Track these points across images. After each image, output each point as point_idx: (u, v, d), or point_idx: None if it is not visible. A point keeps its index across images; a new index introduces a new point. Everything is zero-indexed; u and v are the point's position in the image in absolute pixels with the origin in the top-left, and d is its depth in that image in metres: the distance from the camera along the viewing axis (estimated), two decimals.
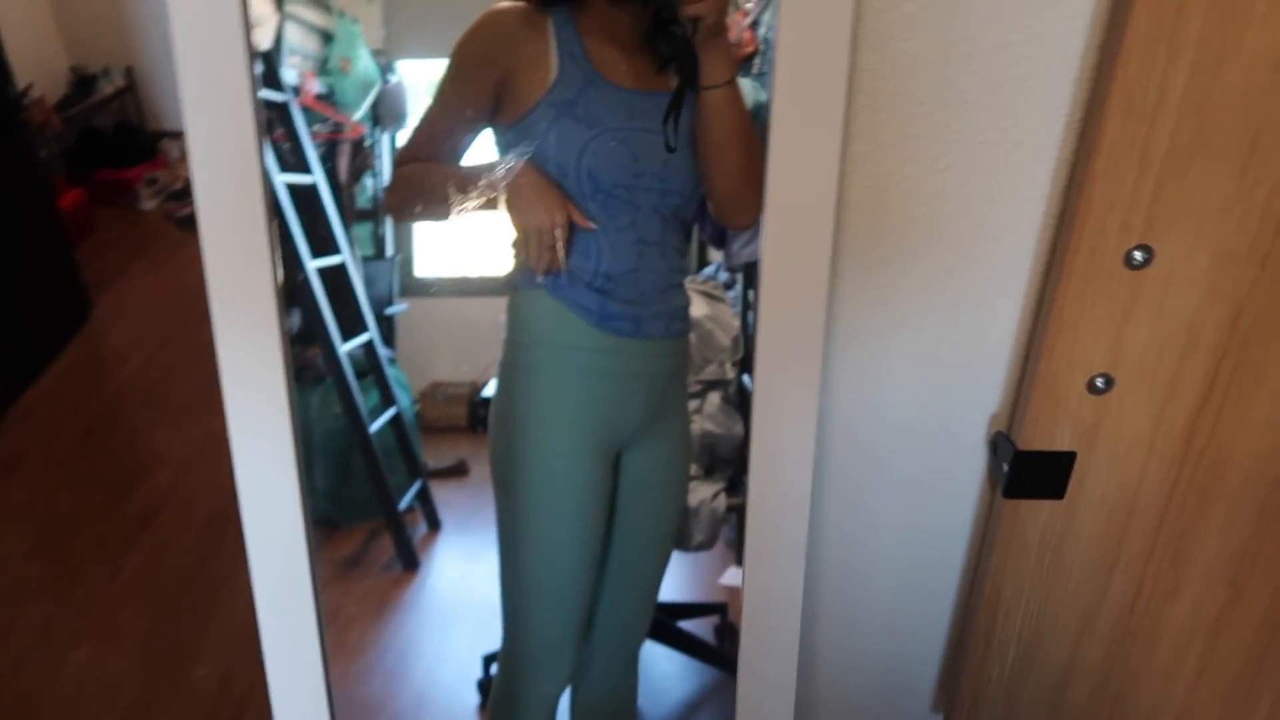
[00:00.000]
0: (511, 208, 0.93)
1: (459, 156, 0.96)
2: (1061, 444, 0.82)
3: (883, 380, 0.88)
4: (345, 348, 1.90)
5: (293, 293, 1.81)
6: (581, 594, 1.10)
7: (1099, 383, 0.79)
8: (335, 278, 1.90)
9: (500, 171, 0.93)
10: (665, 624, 1.57)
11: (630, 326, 0.99)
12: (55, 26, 4.06)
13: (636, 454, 1.08)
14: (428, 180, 0.97)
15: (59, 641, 1.92)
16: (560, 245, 0.95)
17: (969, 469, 0.92)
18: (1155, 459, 0.83)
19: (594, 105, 0.91)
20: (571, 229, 0.94)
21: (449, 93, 0.94)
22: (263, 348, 0.77)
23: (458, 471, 2.23)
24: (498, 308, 1.05)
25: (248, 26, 0.68)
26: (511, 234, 0.99)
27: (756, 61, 1.14)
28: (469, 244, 1.04)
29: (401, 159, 1.01)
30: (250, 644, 1.91)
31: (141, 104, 4.24)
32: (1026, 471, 0.84)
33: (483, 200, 0.95)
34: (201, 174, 0.71)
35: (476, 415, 1.57)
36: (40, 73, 3.71)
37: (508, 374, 1.02)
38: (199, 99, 0.69)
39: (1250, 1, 0.65)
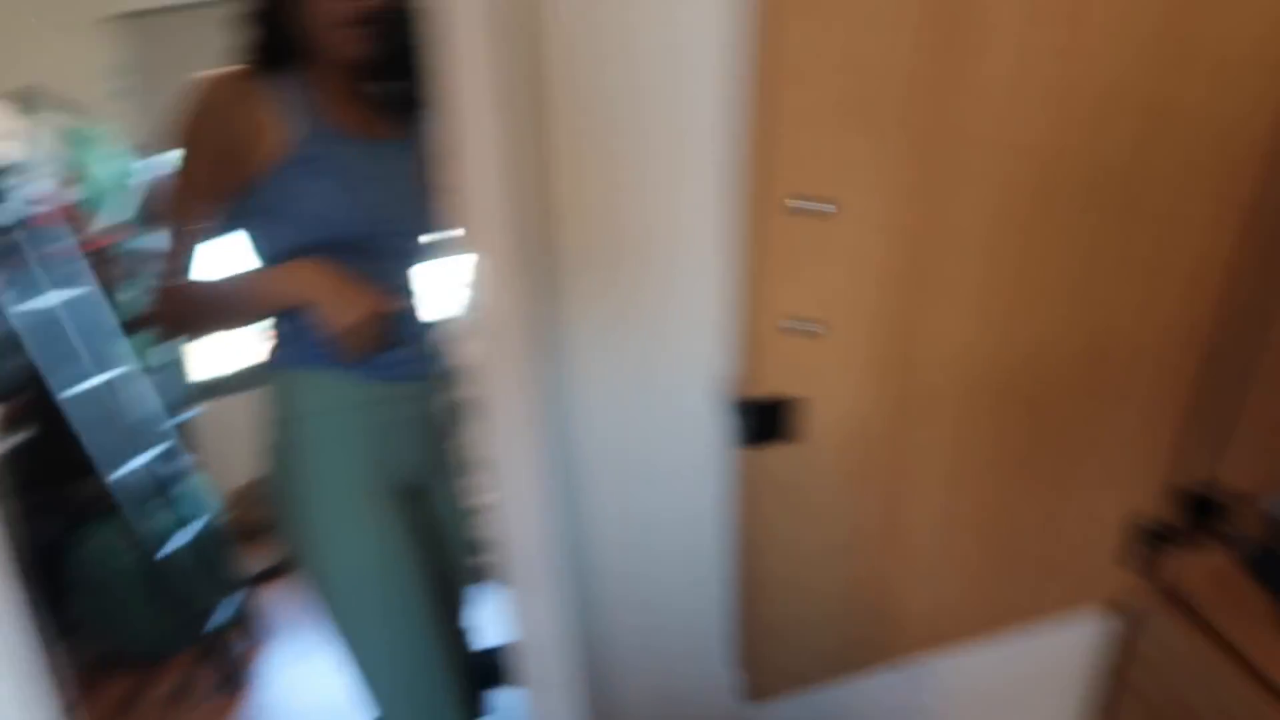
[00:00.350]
0: (325, 308, 0.94)
1: (216, 220, 0.96)
2: (782, 389, 0.90)
3: (613, 374, 0.96)
4: (118, 475, 1.74)
5: (53, 421, 1.68)
6: (428, 631, 1.07)
7: (793, 325, 0.87)
8: (107, 396, 1.77)
9: (284, 277, 0.94)
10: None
11: (388, 371, 1.02)
12: None
13: (428, 493, 1.12)
14: (203, 302, 0.96)
15: None
16: (375, 330, 0.97)
17: (704, 431, 1.00)
18: (870, 386, 0.93)
19: (331, 160, 0.93)
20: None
21: (190, 171, 0.92)
22: None
23: (282, 570, 2.16)
24: (238, 405, 1.05)
25: None
26: (263, 321, 1.00)
27: None
28: (230, 337, 1.05)
29: (168, 254, 0.96)
30: None
31: None
32: (755, 420, 0.91)
33: (272, 308, 0.97)
34: None
35: None
36: None
37: (283, 454, 1.01)
38: None
39: None
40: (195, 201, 0.93)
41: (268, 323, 1.00)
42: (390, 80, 0.94)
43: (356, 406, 1.00)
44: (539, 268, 0.84)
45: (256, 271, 0.97)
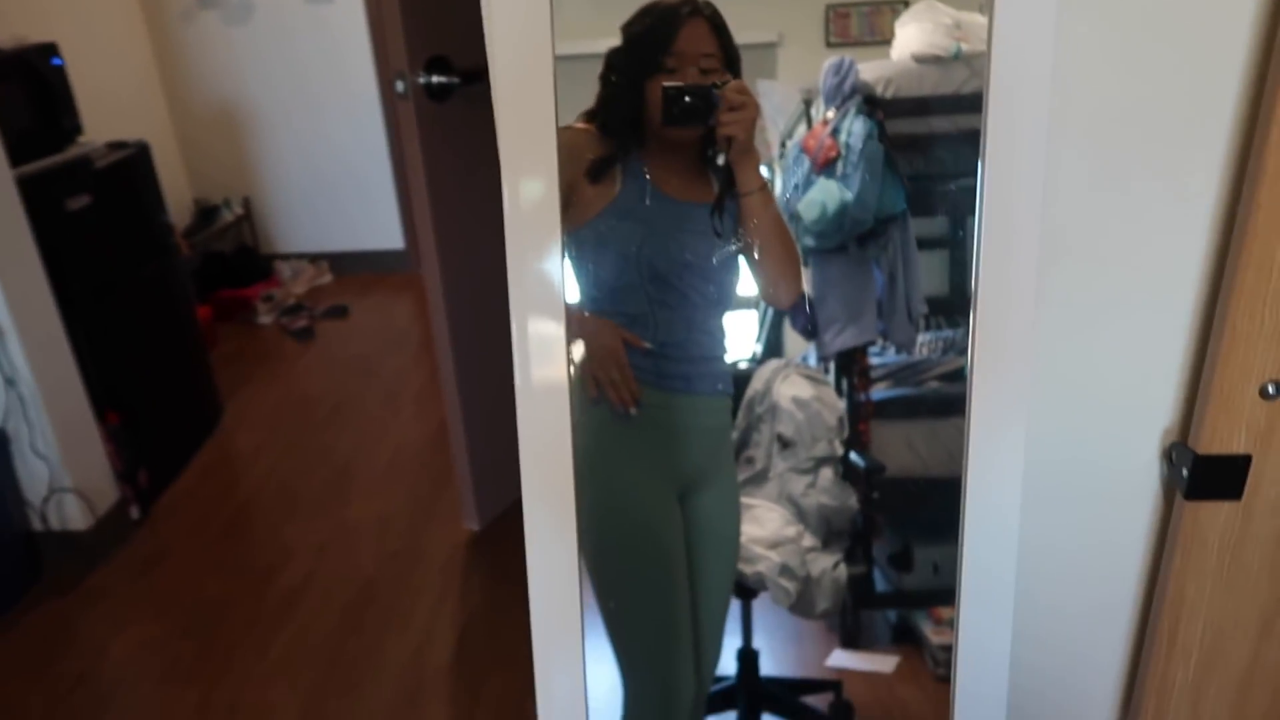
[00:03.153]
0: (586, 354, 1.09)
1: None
2: (1237, 448, 0.92)
3: (1064, 406, 0.99)
4: None
5: None
6: (687, 629, 1.21)
7: (1270, 389, 0.89)
8: None
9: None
10: (788, 699, 1.63)
11: (683, 384, 1.15)
12: (183, 164, 4.46)
13: (698, 500, 1.21)
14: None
15: (215, 717, 2.02)
16: (625, 377, 1.11)
17: (1144, 483, 1.01)
18: None
19: (650, 211, 1.09)
20: (631, 311, 1.10)
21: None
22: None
23: None
24: None
25: None
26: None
27: (839, 164, 1.30)
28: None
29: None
30: (399, 717, 1.99)
31: (256, 230, 4.59)
32: (1206, 474, 0.93)
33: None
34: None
35: None
36: (171, 205, 4.07)
37: (575, 433, 1.13)
38: None
39: None
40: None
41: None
42: (714, 156, 1.07)
43: (645, 405, 1.14)
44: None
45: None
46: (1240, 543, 0.96)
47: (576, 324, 1.11)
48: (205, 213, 4.35)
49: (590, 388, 1.14)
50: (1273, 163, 0.81)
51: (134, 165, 2.88)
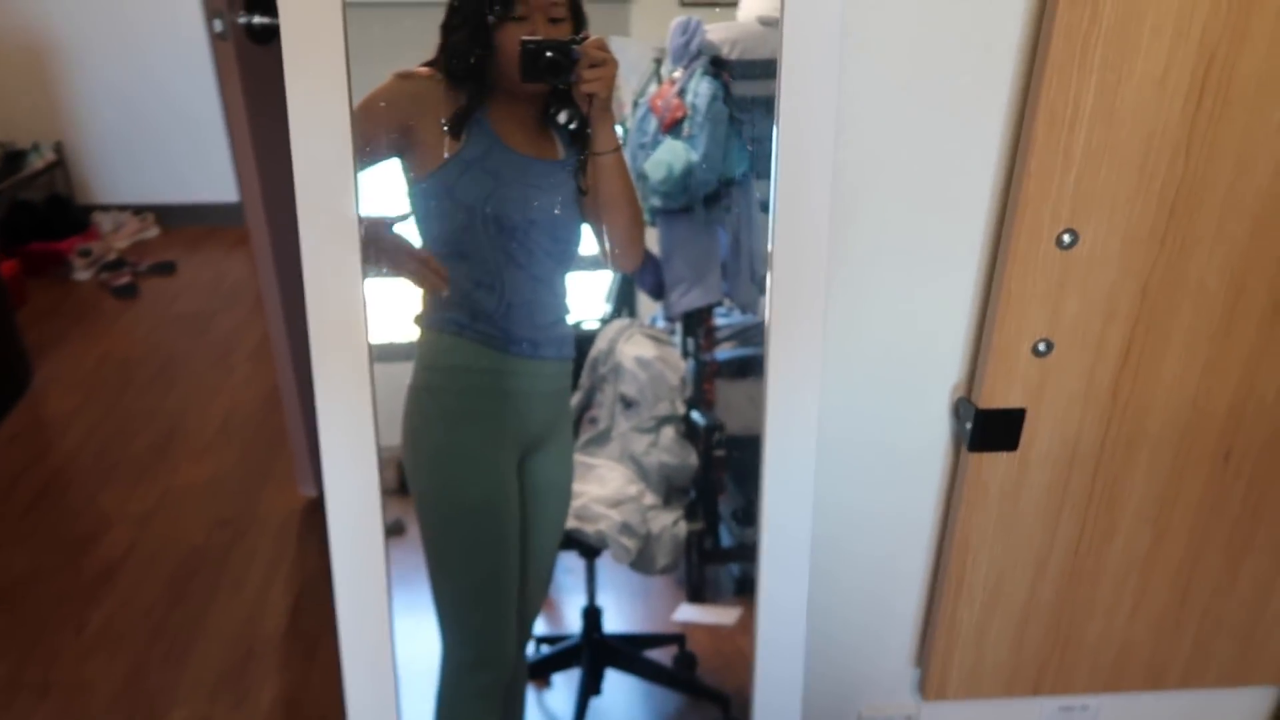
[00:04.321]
0: (381, 262, 1.06)
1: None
2: (1014, 402, 0.99)
3: (859, 365, 1.04)
4: None
5: None
6: (513, 586, 1.23)
7: (1041, 347, 0.96)
8: None
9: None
10: (631, 654, 1.67)
11: (530, 348, 1.15)
12: None
13: (537, 459, 1.23)
14: None
15: (27, 693, 1.90)
16: (418, 258, 1.10)
17: (935, 436, 1.07)
18: (1089, 412, 1.00)
19: (497, 164, 1.07)
20: (477, 273, 1.10)
21: (366, 111, 1.01)
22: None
23: (394, 531, 2.30)
24: (404, 371, 1.17)
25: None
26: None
27: (686, 125, 1.32)
28: (381, 310, 1.18)
29: None
30: (228, 686, 1.93)
31: (71, 178, 4.23)
32: (986, 427, 1.00)
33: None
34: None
35: (403, 477, 1.69)
36: None
37: (420, 395, 1.16)
38: None
39: (1137, 34, 0.84)
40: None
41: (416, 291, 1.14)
42: (560, 107, 1.06)
43: (492, 370, 1.15)
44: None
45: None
46: (1017, 490, 1.04)
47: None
48: (10, 158, 3.97)
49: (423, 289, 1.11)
50: (1040, 135, 0.87)
51: None
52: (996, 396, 0.98)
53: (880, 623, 1.18)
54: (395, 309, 1.16)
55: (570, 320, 1.21)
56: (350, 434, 0.92)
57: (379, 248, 1.05)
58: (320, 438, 0.91)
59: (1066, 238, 0.91)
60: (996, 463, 1.02)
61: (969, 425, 1.00)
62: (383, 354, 1.31)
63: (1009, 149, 0.93)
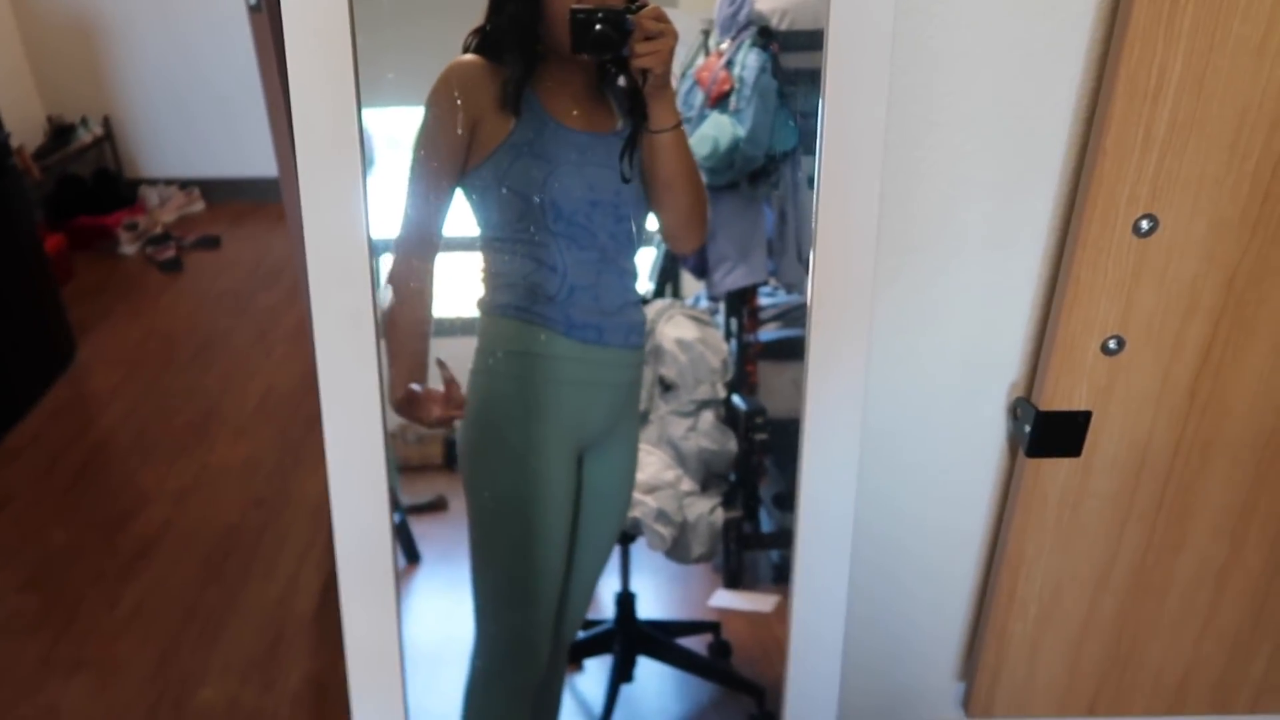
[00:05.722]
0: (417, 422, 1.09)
1: (444, 215, 1.03)
2: (1078, 403, 0.90)
3: (909, 360, 0.96)
4: None
5: None
6: (554, 588, 1.17)
7: (1111, 344, 0.87)
8: None
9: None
10: (665, 642, 1.62)
11: (594, 335, 1.08)
12: (32, 76, 4.09)
13: (596, 457, 1.16)
14: (394, 322, 1.06)
15: (59, 671, 1.91)
16: (429, 403, 1.07)
17: (990, 439, 0.99)
18: (1162, 415, 0.91)
19: (549, 145, 1.01)
20: (538, 254, 1.04)
21: (429, 139, 1.01)
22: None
23: (436, 507, 2.28)
24: (467, 347, 1.12)
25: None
26: (480, 265, 1.08)
27: (733, 99, 1.24)
28: (438, 285, 1.14)
29: (400, 242, 1.05)
30: (258, 668, 1.91)
31: (119, 152, 4.27)
32: (1047, 431, 0.91)
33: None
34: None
35: (451, 453, 1.64)
36: (18, 121, 3.73)
37: (479, 379, 1.10)
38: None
39: None
40: (433, 174, 1.02)
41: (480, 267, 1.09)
42: (614, 77, 1.00)
43: (555, 357, 1.08)
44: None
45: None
46: (1079, 500, 0.95)
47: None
48: (60, 132, 4.01)
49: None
50: (1119, 109, 0.78)
51: None
52: (1059, 397, 0.90)
53: (925, 633, 1.10)
54: (451, 283, 1.10)
55: (640, 306, 1.14)
56: (355, 417, 0.87)
57: (410, 414, 1.06)
58: (324, 421, 0.87)
59: (1145, 224, 0.82)
60: (1057, 469, 0.94)
61: (1027, 428, 0.92)
62: (449, 329, 1.29)
63: (1083, 124, 0.85)
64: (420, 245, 1.04)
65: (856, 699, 1.13)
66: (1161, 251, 0.84)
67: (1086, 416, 0.91)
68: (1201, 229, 0.83)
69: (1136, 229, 0.82)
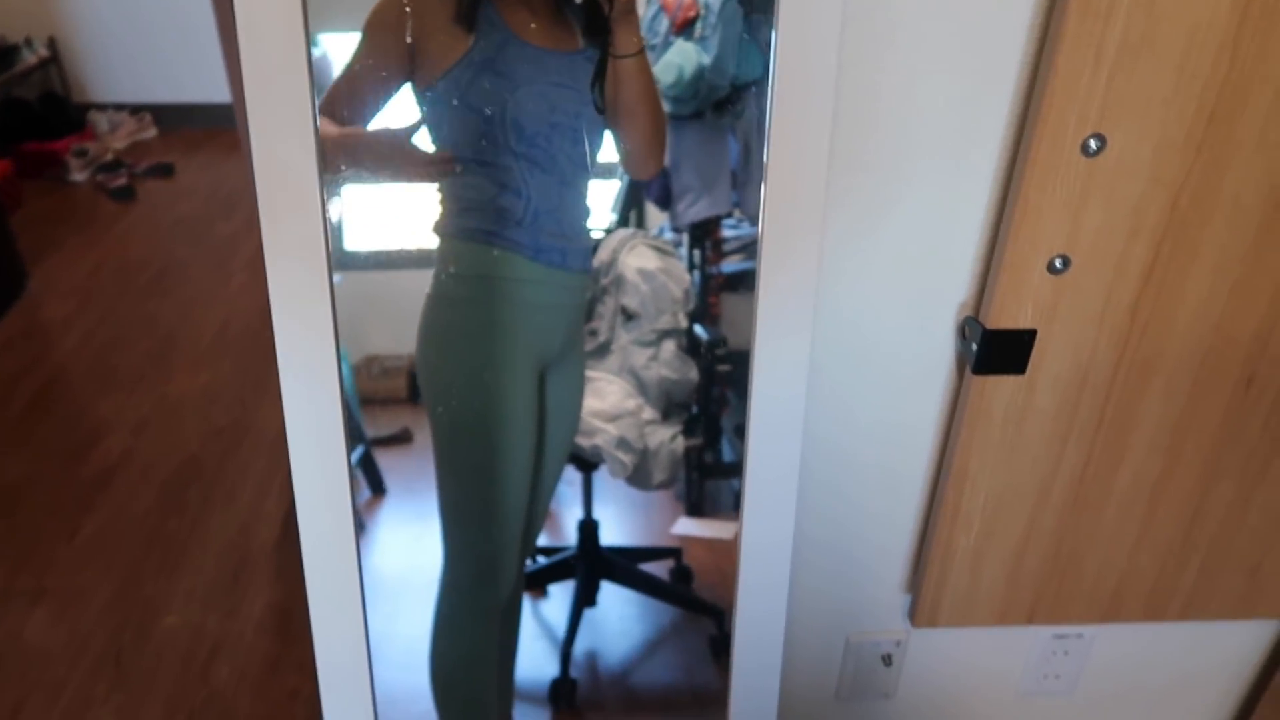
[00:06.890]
0: (401, 177, 1.04)
1: (369, 119, 1.01)
2: (1024, 322, 0.92)
3: (861, 280, 0.97)
4: None
5: None
6: (521, 506, 1.20)
7: (1058, 263, 0.89)
8: None
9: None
10: (627, 567, 1.65)
11: (559, 258, 1.09)
12: None
13: (554, 376, 1.19)
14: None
15: (20, 601, 1.91)
16: (419, 156, 1.03)
17: (939, 358, 1.01)
18: (1105, 334, 0.93)
19: (512, 62, 1.00)
20: (501, 177, 1.03)
21: (363, 57, 0.98)
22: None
23: (401, 439, 2.28)
24: (419, 280, 1.12)
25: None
26: (435, 188, 1.07)
27: (698, 26, 1.22)
28: (398, 216, 1.12)
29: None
30: (221, 595, 1.93)
31: (66, 75, 4.12)
32: (993, 349, 0.93)
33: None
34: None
35: (415, 386, 1.66)
36: None
37: (439, 304, 1.10)
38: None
39: None
40: (361, 87, 0.99)
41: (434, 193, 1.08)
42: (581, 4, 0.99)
43: (519, 280, 1.09)
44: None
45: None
46: (1022, 417, 0.98)
47: (345, 153, 0.97)
48: (2, 54, 3.86)
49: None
50: (1070, 27, 0.78)
51: None
52: (1006, 316, 0.92)
53: (872, 549, 1.14)
54: (411, 215, 1.11)
55: (594, 233, 1.15)
56: (309, 350, 0.87)
57: (399, 162, 1.02)
58: (277, 350, 0.86)
59: (1093, 143, 0.83)
60: (1002, 386, 0.96)
61: (975, 346, 0.94)
62: (395, 261, 1.27)
63: (1038, 44, 0.85)
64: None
65: (803, 609, 1.17)
66: (1109, 171, 0.85)
67: (1032, 335, 0.93)
68: (1148, 150, 0.84)
69: (1085, 148, 0.84)
